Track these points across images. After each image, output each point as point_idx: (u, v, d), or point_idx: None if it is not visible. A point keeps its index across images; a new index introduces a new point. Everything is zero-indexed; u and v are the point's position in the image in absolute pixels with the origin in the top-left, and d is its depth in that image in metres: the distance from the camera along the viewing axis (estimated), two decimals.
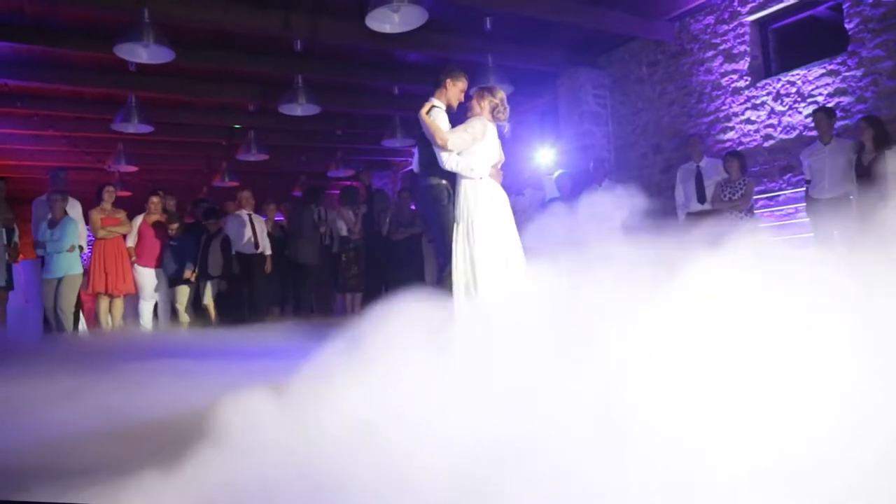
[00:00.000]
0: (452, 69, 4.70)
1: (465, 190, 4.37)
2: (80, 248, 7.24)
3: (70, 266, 6.97)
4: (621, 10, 7.60)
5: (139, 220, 7.78)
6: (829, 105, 6.48)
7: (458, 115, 4.71)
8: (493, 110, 4.55)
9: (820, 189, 6.04)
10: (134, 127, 8.34)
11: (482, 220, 4.30)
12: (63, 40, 7.22)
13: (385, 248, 8.54)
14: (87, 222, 7.44)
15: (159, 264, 7.70)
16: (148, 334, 7.36)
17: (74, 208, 7.29)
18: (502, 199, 4.47)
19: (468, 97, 4.70)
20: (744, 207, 6.43)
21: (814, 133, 6.71)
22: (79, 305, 7.41)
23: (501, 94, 4.64)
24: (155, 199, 7.84)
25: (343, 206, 8.76)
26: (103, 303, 7.41)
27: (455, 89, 4.66)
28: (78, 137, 10.51)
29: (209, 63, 8.15)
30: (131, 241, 7.64)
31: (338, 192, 9.39)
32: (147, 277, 7.65)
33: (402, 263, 8.27)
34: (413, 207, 8.50)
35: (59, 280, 6.92)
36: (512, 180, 8.20)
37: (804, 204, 6.51)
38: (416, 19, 5.82)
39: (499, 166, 4.54)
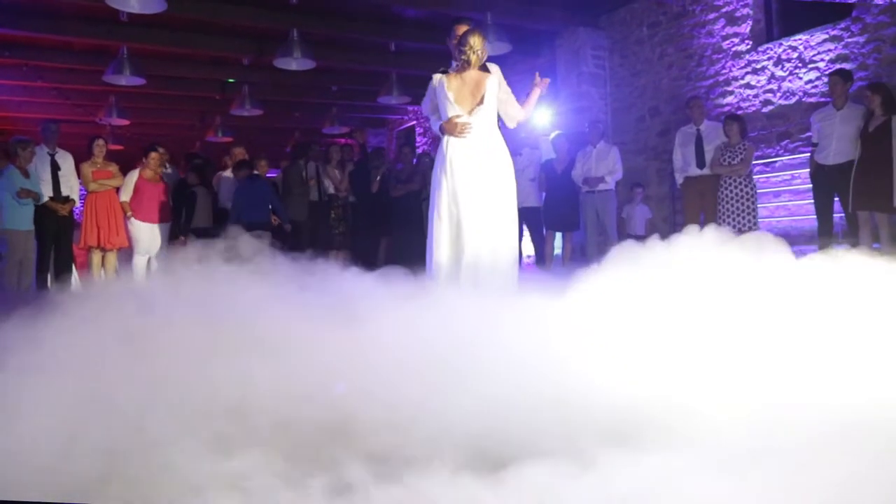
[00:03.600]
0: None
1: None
2: (73, 201, 7.16)
3: None
4: None
5: (135, 174, 7.69)
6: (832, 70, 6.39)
7: None
8: (453, 54, 4.17)
9: (826, 154, 5.93)
10: (126, 79, 8.21)
11: (433, 182, 4.14)
12: None
13: (381, 206, 8.48)
14: (78, 175, 7.34)
15: (161, 219, 7.67)
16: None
17: (66, 161, 7.18)
18: (454, 158, 4.04)
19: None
20: (743, 172, 6.38)
21: (813, 100, 6.67)
22: (72, 259, 7.37)
23: (459, 29, 4.25)
24: (155, 156, 7.72)
25: (329, 164, 8.68)
26: (96, 257, 7.37)
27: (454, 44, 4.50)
28: (68, 89, 10.35)
29: (202, 14, 7.97)
30: (125, 196, 7.57)
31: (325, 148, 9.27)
32: (144, 232, 7.61)
33: (400, 222, 8.23)
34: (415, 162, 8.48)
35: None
36: (509, 140, 8.13)
37: (803, 170, 6.48)
38: None
39: (466, 117, 4.05)
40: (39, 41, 8.73)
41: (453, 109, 4.09)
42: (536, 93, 4.34)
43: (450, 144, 4.08)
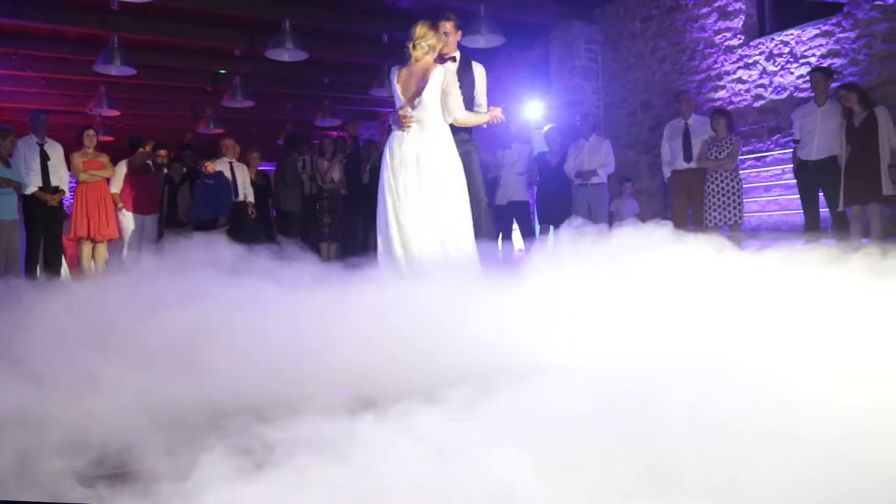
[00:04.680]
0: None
1: None
2: (62, 191, 7.11)
3: None
4: None
5: (123, 165, 7.66)
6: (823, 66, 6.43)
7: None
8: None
9: (808, 150, 6.02)
10: (116, 69, 8.15)
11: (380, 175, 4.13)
12: None
13: (372, 198, 8.44)
14: (68, 166, 7.29)
15: (151, 210, 7.65)
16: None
17: (55, 151, 7.13)
18: (394, 150, 4.01)
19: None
20: (729, 167, 6.41)
21: (804, 94, 6.69)
22: (61, 250, 7.33)
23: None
24: (141, 152, 7.75)
25: (323, 157, 8.66)
26: (86, 248, 7.34)
27: None
28: (58, 79, 10.26)
29: (194, 4, 7.93)
30: (115, 188, 7.53)
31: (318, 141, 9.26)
32: (134, 223, 7.61)
33: None
34: None
35: None
36: (500, 133, 8.17)
37: (791, 165, 6.52)
38: None
39: (408, 112, 3.99)
40: (29, 30, 8.65)
41: (398, 101, 4.09)
42: (484, 115, 4.27)
43: (394, 137, 4.08)
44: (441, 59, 4.28)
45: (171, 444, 1.46)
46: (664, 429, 1.28)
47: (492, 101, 4.65)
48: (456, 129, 4.25)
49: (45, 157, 6.98)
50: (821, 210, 6.10)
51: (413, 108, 4.00)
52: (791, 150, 6.68)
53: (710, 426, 1.27)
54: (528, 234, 8.00)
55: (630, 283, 2.41)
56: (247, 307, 2.34)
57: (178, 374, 1.87)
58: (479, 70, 4.58)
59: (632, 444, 1.23)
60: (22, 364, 1.88)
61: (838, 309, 2.11)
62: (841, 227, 5.82)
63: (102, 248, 7.44)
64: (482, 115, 4.30)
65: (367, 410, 1.55)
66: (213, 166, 7.51)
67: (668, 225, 2.99)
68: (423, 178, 3.94)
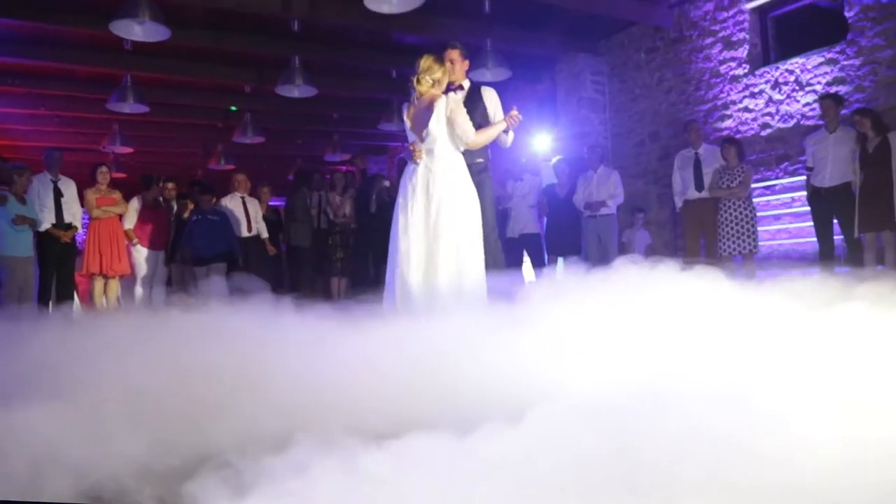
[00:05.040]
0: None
1: None
2: (75, 228, 7.18)
3: None
4: None
5: (137, 201, 7.77)
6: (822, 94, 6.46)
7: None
8: None
9: (822, 177, 5.99)
10: (129, 107, 8.28)
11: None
12: (58, 16, 7.15)
13: (381, 231, 8.47)
14: (81, 203, 7.38)
15: (163, 246, 7.71)
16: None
17: (69, 188, 7.23)
18: (407, 183, 4.04)
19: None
20: (742, 195, 6.40)
21: (811, 122, 6.72)
22: (73, 286, 7.38)
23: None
24: (155, 189, 7.90)
25: (333, 192, 8.73)
26: (98, 284, 7.38)
27: None
28: (72, 117, 10.45)
29: (206, 42, 8.09)
30: (129, 224, 7.61)
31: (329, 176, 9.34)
32: (147, 259, 7.68)
33: None
34: None
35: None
36: (511, 165, 8.21)
37: (803, 192, 6.50)
38: (414, 0, 5.79)
39: (418, 145, 4.04)
40: (44, 69, 8.84)
41: (410, 136, 4.12)
42: (498, 124, 4.18)
43: (406, 171, 4.10)
44: (449, 88, 4.28)
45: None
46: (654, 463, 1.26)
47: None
48: (472, 156, 4.24)
49: (58, 194, 7.07)
50: (835, 237, 6.06)
51: (422, 140, 4.02)
52: (800, 177, 6.69)
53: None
54: (538, 266, 7.99)
55: (628, 317, 2.41)
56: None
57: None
58: (488, 94, 4.54)
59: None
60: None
61: (846, 341, 2.08)
62: (855, 254, 5.78)
63: (114, 284, 7.48)
64: (496, 126, 4.18)
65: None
66: (213, 202, 7.55)
67: (676, 259, 3.02)
68: (431, 209, 3.93)
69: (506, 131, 4.26)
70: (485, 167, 4.45)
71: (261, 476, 1.27)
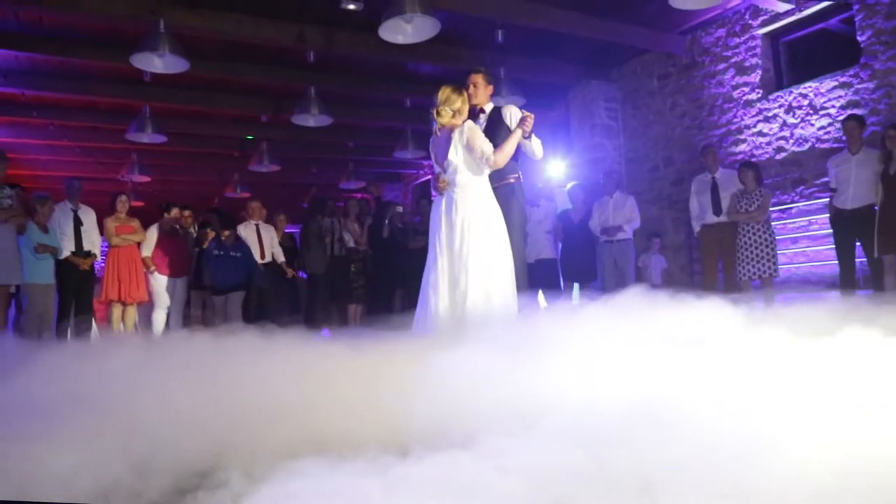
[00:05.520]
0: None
1: None
2: (94, 256, 7.28)
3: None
4: (633, 24, 7.62)
5: (155, 229, 7.85)
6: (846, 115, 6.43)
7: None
8: None
9: (844, 199, 5.94)
10: (148, 137, 8.42)
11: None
12: (79, 50, 7.32)
13: (395, 258, 8.52)
14: (101, 231, 7.48)
15: (181, 273, 7.78)
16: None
17: (88, 216, 7.33)
18: (434, 215, 4.20)
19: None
20: (760, 219, 6.36)
21: (826, 146, 6.70)
22: (92, 312, 7.44)
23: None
24: (172, 215, 8.01)
25: (348, 219, 8.78)
26: (116, 310, 7.45)
27: None
28: (92, 147, 10.61)
29: (223, 74, 8.23)
30: (147, 251, 7.68)
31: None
32: (165, 286, 7.74)
33: (416, 273, 8.23)
34: None
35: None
36: (527, 191, 8.21)
37: (820, 216, 6.46)
38: (428, 30, 5.87)
39: (442, 176, 4.17)
40: (65, 101, 9.01)
41: (435, 168, 4.24)
42: (516, 133, 4.18)
43: (434, 203, 4.25)
44: (472, 111, 4.34)
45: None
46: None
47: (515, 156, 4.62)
48: (500, 178, 4.28)
49: (78, 223, 7.18)
50: (859, 259, 6.00)
51: (444, 171, 4.13)
52: (817, 200, 6.66)
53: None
54: (554, 290, 7.97)
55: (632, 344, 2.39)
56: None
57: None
58: (507, 111, 4.51)
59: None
60: None
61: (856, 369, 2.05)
62: (878, 277, 5.71)
63: (132, 311, 7.54)
64: (512, 137, 4.16)
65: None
66: (231, 235, 7.60)
67: (693, 284, 3.04)
68: (455, 238, 4.01)
69: (527, 137, 4.28)
70: (512, 190, 4.44)
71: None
